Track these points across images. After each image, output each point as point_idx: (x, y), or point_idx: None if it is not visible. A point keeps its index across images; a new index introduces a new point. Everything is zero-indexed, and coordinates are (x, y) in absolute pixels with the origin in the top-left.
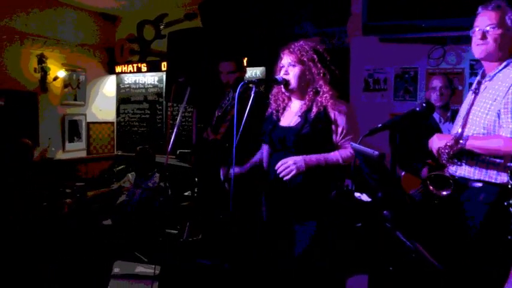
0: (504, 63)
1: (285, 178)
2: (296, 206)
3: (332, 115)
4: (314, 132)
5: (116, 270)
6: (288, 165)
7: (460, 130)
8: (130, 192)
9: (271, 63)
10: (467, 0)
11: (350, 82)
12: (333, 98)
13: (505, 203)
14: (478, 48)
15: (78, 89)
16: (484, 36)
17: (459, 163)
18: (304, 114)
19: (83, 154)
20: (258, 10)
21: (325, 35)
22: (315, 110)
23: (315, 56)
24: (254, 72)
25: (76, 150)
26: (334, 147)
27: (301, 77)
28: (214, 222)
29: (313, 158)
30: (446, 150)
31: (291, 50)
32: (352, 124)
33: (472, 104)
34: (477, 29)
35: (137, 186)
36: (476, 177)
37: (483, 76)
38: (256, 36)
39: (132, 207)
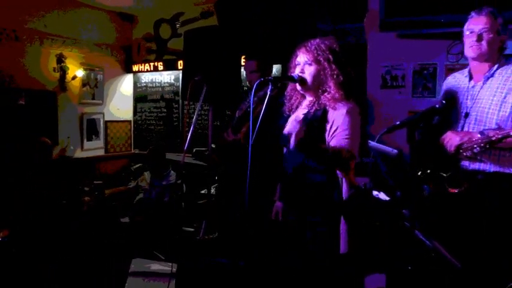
0: (495, 67)
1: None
2: (312, 204)
3: (330, 115)
4: (308, 131)
5: (133, 267)
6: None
7: (473, 127)
8: (147, 191)
9: (288, 60)
10: None
11: (367, 79)
12: (336, 99)
13: None
14: (473, 49)
15: (96, 88)
16: (479, 39)
17: (478, 158)
18: (307, 113)
19: (101, 152)
20: (274, 7)
21: (342, 31)
22: (314, 108)
23: (331, 56)
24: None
25: (94, 148)
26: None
27: (316, 76)
28: (231, 221)
29: None
30: (477, 147)
31: (308, 48)
32: (348, 124)
33: (477, 102)
34: (472, 32)
35: (153, 185)
36: (492, 170)
37: (471, 76)
38: (273, 33)
39: (149, 206)
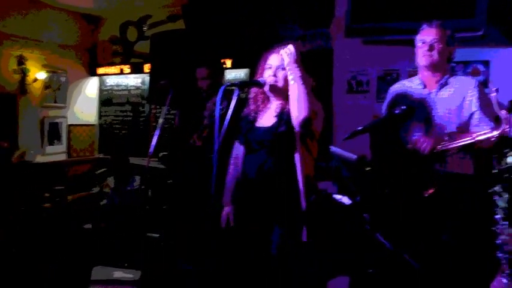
0: (447, 76)
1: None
2: (273, 207)
3: None
4: (290, 131)
5: (95, 275)
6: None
7: (437, 131)
8: (110, 197)
9: (256, 65)
10: (446, 4)
11: (334, 84)
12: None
13: (489, 191)
14: (426, 58)
15: (58, 91)
16: (431, 48)
17: (446, 160)
18: (280, 115)
19: (63, 157)
20: (242, 12)
21: (310, 36)
22: (288, 109)
23: (301, 61)
24: (238, 74)
25: (56, 153)
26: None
27: (286, 80)
28: (195, 227)
29: None
30: (450, 148)
31: (280, 52)
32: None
33: (435, 108)
34: (424, 42)
35: (117, 191)
36: (462, 171)
37: (425, 86)
38: (240, 38)
39: (113, 211)
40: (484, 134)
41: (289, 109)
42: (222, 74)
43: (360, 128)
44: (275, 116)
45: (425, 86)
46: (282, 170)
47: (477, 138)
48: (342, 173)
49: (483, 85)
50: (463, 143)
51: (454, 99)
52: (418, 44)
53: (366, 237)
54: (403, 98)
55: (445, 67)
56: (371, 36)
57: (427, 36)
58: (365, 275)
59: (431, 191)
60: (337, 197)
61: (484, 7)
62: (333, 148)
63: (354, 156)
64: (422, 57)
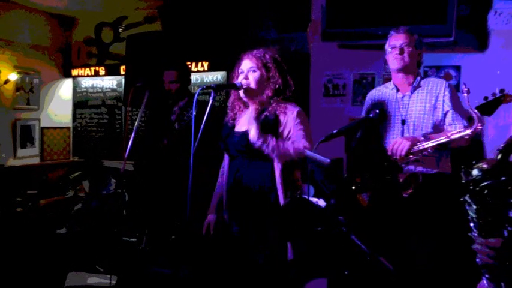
0: (418, 78)
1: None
2: (255, 211)
3: (282, 120)
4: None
5: (69, 281)
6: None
7: (412, 133)
8: (85, 201)
9: (232, 68)
10: (418, 10)
11: (310, 87)
12: (284, 103)
13: (461, 199)
14: (398, 61)
15: (31, 93)
16: (402, 52)
17: (420, 161)
18: (256, 119)
19: (37, 161)
20: (219, 14)
21: (287, 40)
22: (264, 114)
23: (274, 65)
24: (215, 77)
25: (29, 156)
26: None
27: (259, 82)
28: (172, 230)
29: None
30: (430, 149)
31: (253, 55)
32: (301, 126)
33: (410, 110)
34: (394, 47)
35: (92, 195)
36: (435, 171)
37: (398, 90)
38: (217, 40)
39: (88, 216)
40: (458, 132)
41: (266, 114)
42: (189, 78)
43: (335, 131)
44: (251, 121)
45: (398, 90)
46: (259, 175)
47: (452, 137)
48: (315, 177)
49: (455, 89)
50: (439, 142)
51: (427, 100)
52: (388, 50)
53: (341, 240)
54: (379, 102)
55: (416, 70)
56: (347, 40)
57: (396, 41)
58: (342, 277)
59: (410, 190)
60: (314, 199)
61: (454, 14)
62: (307, 152)
63: (327, 160)
64: (394, 60)
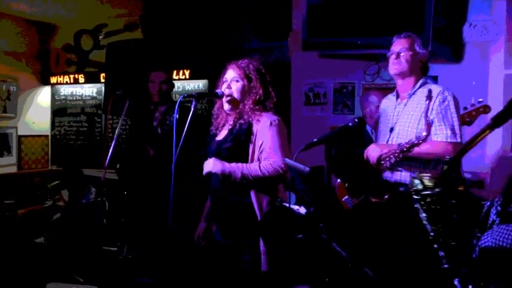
0: (419, 83)
1: (203, 173)
2: (234, 219)
3: (254, 129)
4: (235, 145)
5: None
6: (207, 162)
7: (397, 140)
8: (64, 210)
9: (214, 76)
10: (397, 21)
11: (291, 96)
12: (260, 114)
13: (414, 206)
14: (393, 66)
15: (8, 100)
16: (397, 57)
17: (398, 169)
18: (232, 128)
19: (14, 169)
20: (201, 22)
21: (268, 48)
22: (239, 123)
23: (257, 75)
24: (197, 85)
25: (5, 165)
26: (256, 161)
27: (241, 92)
28: (154, 239)
29: (233, 164)
30: (393, 157)
31: (237, 65)
32: (275, 137)
33: (401, 117)
34: (393, 53)
35: (71, 204)
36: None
37: (398, 95)
38: (198, 48)
39: (67, 225)
40: (411, 145)
41: (241, 123)
42: (173, 82)
43: (315, 139)
44: (227, 130)
45: (398, 97)
46: (232, 184)
47: (413, 150)
48: (296, 185)
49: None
50: (402, 152)
51: (416, 109)
52: (389, 56)
53: (322, 247)
54: (382, 110)
55: (418, 76)
56: (327, 50)
57: (395, 47)
58: (323, 284)
59: (386, 197)
60: (295, 207)
61: (430, 25)
62: (287, 160)
63: (307, 169)
64: (391, 65)
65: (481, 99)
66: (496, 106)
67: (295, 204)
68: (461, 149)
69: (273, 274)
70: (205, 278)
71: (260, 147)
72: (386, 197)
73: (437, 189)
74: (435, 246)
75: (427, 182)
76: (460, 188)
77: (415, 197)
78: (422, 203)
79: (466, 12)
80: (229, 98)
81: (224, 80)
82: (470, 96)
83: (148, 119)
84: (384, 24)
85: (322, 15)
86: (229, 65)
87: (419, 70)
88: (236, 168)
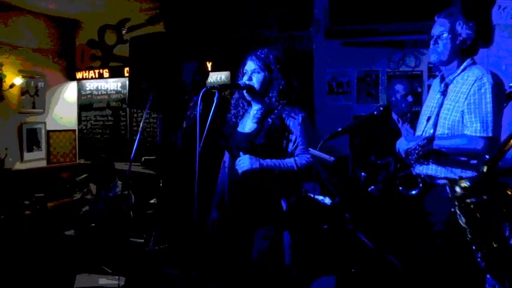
0: (462, 67)
1: (239, 171)
2: (256, 210)
3: (287, 123)
4: (269, 141)
5: (78, 283)
6: (243, 160)
7: (432, 131)
8: (92, 203)
9: (236, 68)
10: (423, 6)
11: (314, 85)
12: (289, 107)
13: (452, 210)
14: (431, 54)
15: (36, 96)
16: (436, 42)
17: (426, 163)
18: (261, 122)
19: (43, 164)
20: (222, 14)
21: (290, 38)
22: (271, 118)
23: (278, 65)
24: (219, 77)
25: (35, 159)
26: (289, 156)
27: (263, 84)
28: (180, 230)
29: (268, 161)
30: (417, 151)
31: (256, 57)
32: (306, 133)
33: (441, 106)
34: (432, 36)
35: (99, 197)
36: (442, 175)
37: (443, 79)
38: (221, 40)
39: (96, 218)
40: (428, 140)
41: (273, 118)
42: (208, 73)
43: (339, 129)
44: (255, 123)
45: (442, 81)
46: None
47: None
48: (321, 175)
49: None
50: (423, 148)
51: (452, 97)
52: (429, 39)
53: (348, 237)
54: (430, 94)
55: (460, 58)
56: (350, 38)
57: (434, 29)
58: (349, 274)
59: (413, 192)
60: (320, 197)
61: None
62: (311, 150)
63: (332, 158)
64: (430, 51)
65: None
66: None
67: (320, 194)
68: (499, 149)
69: (297, 264)
70: (226, 269)
71: (294, 142)
72: (414, 192)
73: (484, 197)
74: (473, 247)
75: (469, 189)
76: (508, 192)
77: (456, 203)
78: (463, 206)
79: None
80: (250, 88)
81: (244, 71)
82: None
83: (181, 111)
84: (408, 9)
85: (345, 2)
86: (248, 55)
87: (463, 52)
88: (273, 164)
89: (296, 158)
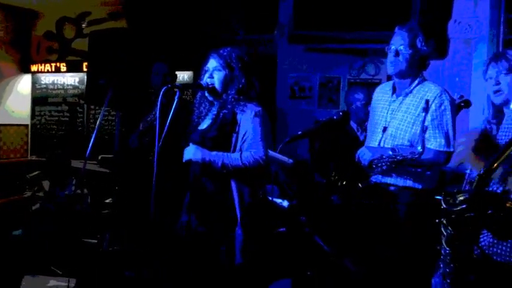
0: (416, 82)
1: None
2: (212, 209)
3: (238, 119)
4: (219, 135)
5: (24, 285)
6: (187, 150)
7: (392, 142)
8: (45, 201)
9: (199, 68)
10: (384, 16)
11: (277, 89)
12: (244, 102)
13: (437, 221)
14: (391, 65)
15: None
16: (397, 54)
17: (389, 172)
18: (215, 117)
19: None
20: (186, 14)
21: (254, 41)
22: (223, 112)
23: (240, 64)
24: (182, 76)
25: None
26: (239, 151)
27: (224, 82)
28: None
29: (213, 153)
30: (384, 162)
31: (218, 55)
32: (258, 128)
33: (395, 117)
34: (392, 47)
35: (52, 195)
36: (400, 184)
37: (394, 90)
38: (184, 40)
39: (47, 217)
40: (404, 159)
41: (224, 112)
42: (176, 76)
43: (299, 132)
44: (210, 118)
45: (394, 92)
46: (212, 173)
47: (406, 158)
48: (279, 177)
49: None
50: (393, 160)
51: (411, 110)
52: (387, 50)
53: (304, 240)
54: (375, 102)
55: (416, 73)
56: (313, 43)
57: (394, 41)
58: (305, 277)
59: (371, 201)
60: (278, 200)
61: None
62: (271, 152)
63: (290, 161)
64: (389, 63)
65: (462, 95)
66: (478, 102)
67: (278, 197)
68: (490, 164)
69: (249, 267)
70: (183, 270)
71: (243, 137)
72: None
73: (489, 211)
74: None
75: (464, 201)
76: (508, 205)
77: (451, 216)
78: (453, 220)
79: (451, 9)
80: (211, 88)
81: (206, 69)
82: (453, 92)
83: (143, 111)
84: (370, 18)
85: (309, 8)
86: (211, 53)
87: (419, 67)
88: (216, 157)
89: (243, 153)
